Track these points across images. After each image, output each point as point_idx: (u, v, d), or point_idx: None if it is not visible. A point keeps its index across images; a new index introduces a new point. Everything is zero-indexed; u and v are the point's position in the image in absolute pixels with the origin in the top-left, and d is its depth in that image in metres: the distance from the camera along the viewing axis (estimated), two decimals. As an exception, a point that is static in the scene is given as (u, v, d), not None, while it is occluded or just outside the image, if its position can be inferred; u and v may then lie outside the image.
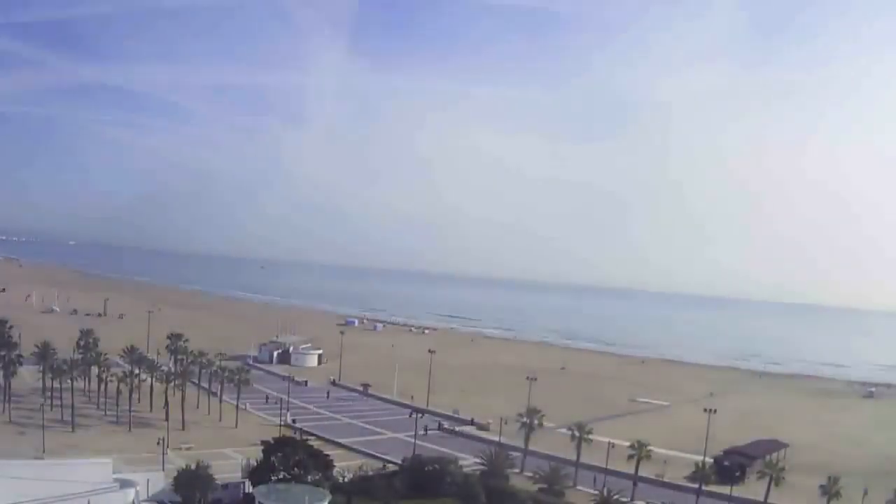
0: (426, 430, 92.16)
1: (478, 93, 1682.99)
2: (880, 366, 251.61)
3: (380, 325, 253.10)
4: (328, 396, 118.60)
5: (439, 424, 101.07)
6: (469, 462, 77.51)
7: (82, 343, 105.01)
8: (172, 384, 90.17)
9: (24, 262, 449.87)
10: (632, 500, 69.73)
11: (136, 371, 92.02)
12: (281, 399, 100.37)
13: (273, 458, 59.43)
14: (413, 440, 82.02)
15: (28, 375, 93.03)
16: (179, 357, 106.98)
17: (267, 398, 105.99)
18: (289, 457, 59.41)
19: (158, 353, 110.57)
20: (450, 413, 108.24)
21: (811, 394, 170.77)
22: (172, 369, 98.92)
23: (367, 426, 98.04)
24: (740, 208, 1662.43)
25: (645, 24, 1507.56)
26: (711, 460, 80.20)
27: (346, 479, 63.04)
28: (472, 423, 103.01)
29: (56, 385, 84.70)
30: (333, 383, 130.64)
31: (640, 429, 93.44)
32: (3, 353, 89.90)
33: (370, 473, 66.66)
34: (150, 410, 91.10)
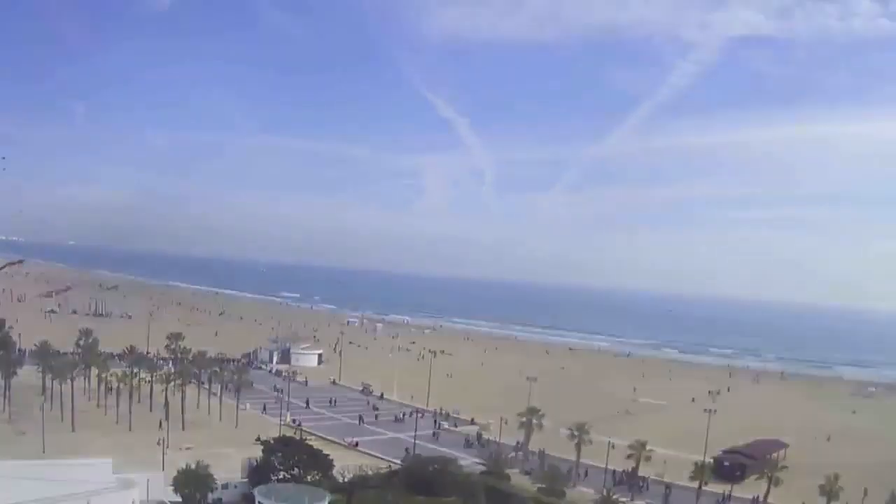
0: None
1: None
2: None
3: (380, 325, 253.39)
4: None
5: (439, 424, 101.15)
6: (469, 462, 77.55)
7: (82, 343, 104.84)
8: (172, 384, 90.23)
9: (23, 261, 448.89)
10: (632, 500, 69.80)
11: (136, 371, 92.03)
12: (281, 399, 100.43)
13: (273, 458, 59.43)
14: (413, 440, 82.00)
15: (28, 375, 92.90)
16: (179, 357, 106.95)
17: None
18: (289, 457, 59.41)
19: (159, 353, 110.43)
20: (450, 413, 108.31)
21: (811, 394, 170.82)
22: (172, 369, 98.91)
23: (367, 426, 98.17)
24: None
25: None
26: (711, 460, 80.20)
27: (346, 479, 63.00)
28: (472, 422, 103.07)
29: (56, 385, 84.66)
30: (333, 383, 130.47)
31: (640, 429, 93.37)
32: (2, 353, 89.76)
33: (370, 473, 66.60)
34: (150, 410, 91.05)
